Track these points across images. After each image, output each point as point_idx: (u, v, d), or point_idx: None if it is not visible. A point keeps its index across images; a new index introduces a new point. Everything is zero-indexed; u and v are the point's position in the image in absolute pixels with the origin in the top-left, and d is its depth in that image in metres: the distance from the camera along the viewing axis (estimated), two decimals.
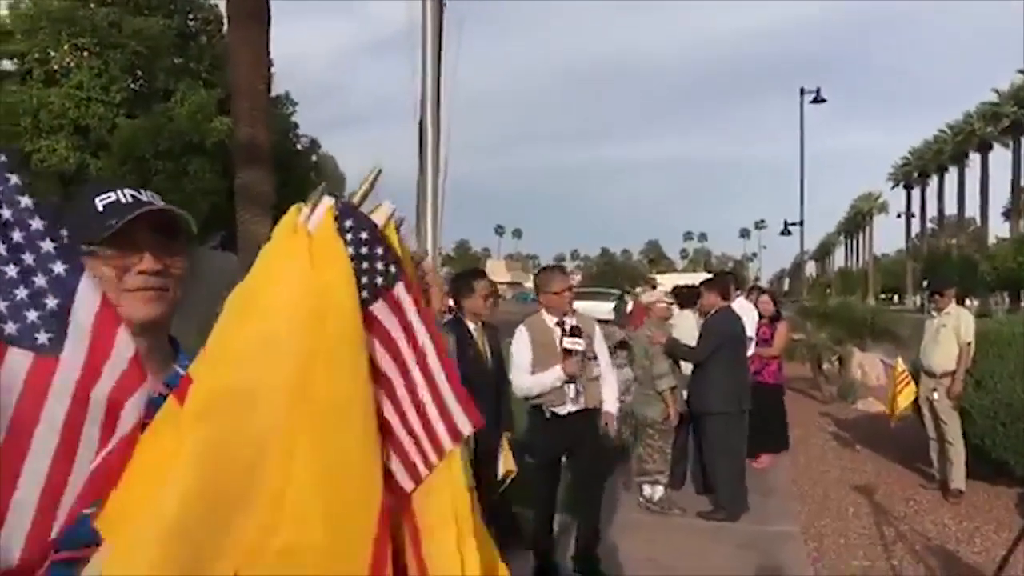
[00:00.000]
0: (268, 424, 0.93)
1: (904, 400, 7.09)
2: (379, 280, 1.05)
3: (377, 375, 1.04)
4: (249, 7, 11.83)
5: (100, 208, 1.30)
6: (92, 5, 15.95)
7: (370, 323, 1.04)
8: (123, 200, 1.31)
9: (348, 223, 1.04)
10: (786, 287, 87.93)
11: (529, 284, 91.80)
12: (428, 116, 8.72)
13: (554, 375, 4.38)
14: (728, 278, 7.43)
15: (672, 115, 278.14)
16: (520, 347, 4.50)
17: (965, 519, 6.20)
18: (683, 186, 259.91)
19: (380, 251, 1.05)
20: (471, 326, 4.45)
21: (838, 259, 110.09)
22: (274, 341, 0.95)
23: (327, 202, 1.05)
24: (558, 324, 4.50)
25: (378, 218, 1.07)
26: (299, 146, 18.66)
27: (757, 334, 7.81)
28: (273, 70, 16.80)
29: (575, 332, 4.37)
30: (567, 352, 4.34)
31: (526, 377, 4.45)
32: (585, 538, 4.69)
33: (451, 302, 4.56)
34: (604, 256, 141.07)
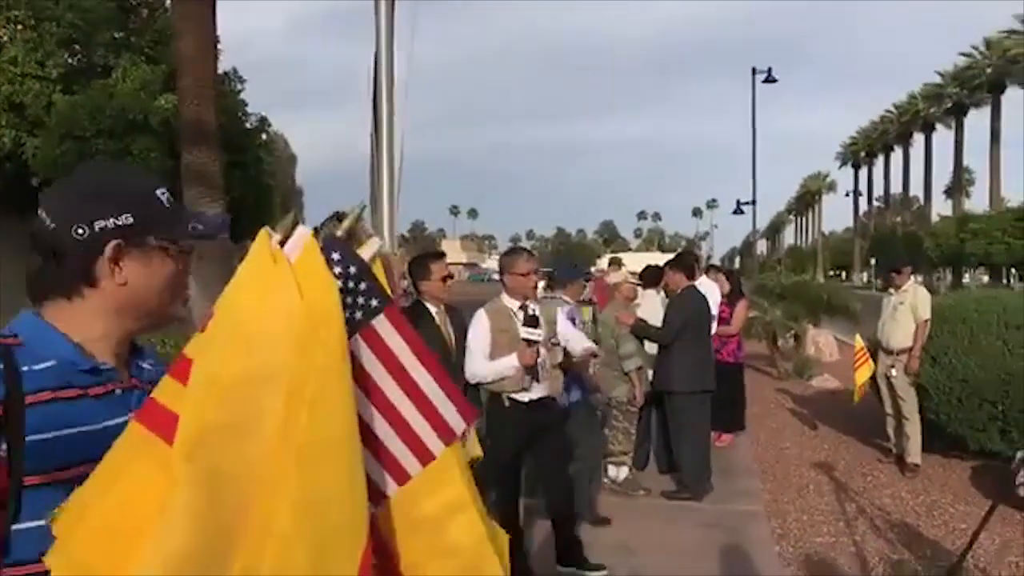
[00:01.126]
0: (256, 458, 0.93)
1: (861, 377, 7.15)
2: (358, 315, 1.06)
3: None
4: None
5: (166, 203, 1.28)
6: None
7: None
8: (170, 199, 1.30)
9: (335, 256, 1.05)
10: (737, 265, 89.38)
11: (485, 265, 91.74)
12: (383, 94, 8.47)
13: (509, 363, 4.22)
14: (692, 257, 7.40)
15: (627, 95, 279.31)
16: (477, 332, 4.33)
17: (922, 493, 6.28)
18: (637, 166, 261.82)
19: (364, 286, 1.06)
20: (432, 309, 4.29)
21: (788, 237, 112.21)
22: (264, 377, 0.95)
23: (304, 231, 1.04)
24: (521, 308, 4.36)
25: (367, 251, 1.09)
26: (248, 125, 18.09)
27: (718, 313, 7.80)
28: (220, 46, 16.35)
29: (532, 322, 4.22)
30: (526, 342, 4.20)
31: (481, 364, 4.28)
32: (563, 528, 4.58)
33: (407, 284, 4.39)
34: (560, 236, 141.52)
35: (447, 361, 4.24)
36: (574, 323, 5.32)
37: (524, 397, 4.36)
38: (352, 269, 1.05)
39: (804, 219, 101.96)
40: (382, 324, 1.07)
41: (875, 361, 7.12)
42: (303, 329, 0.95)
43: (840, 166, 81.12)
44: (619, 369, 6.11)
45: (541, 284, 6.30)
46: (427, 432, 1.09)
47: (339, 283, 1.02)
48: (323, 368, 0.95)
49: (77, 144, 14.60)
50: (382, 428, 1.07)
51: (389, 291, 1.10)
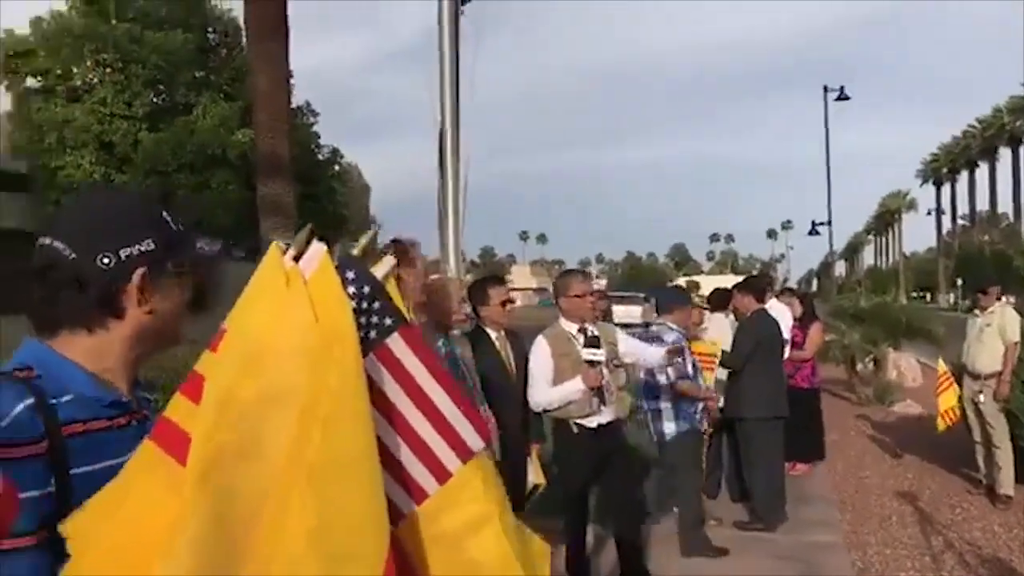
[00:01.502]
0: (267, 479, 0.92)
1: (945, 403, 6.82)
2: (372, 334, 1.06)
3: None
4: (268, 20, 11.82)
5: (175, 225, 1.26)
6: (113, 21, 16.05)
7: None
8: (176, 220, 1.29)
9: (350, 275, 1.05)
10: (814, 287, 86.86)
11: None
12: (447, 122, 8.56)
13: (575, 387, 4.17)
14: (763, 280, 7.21)
15: (696, 116, 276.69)
16: (539, 359, 4.27)
17: (1016, 526, 5.91)
18: (708, 188, 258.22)
19: (378, 305, 1.06)
20: (492, 334, 4.27)
21: (867, 258, 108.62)
22: (277, 397, 0.95)
23: (320, 247, 1.04)
24: (580, 331, 4.30)
25: (380, 270, 1.09)
26: (320, 156, 18.64)
27: (791, 337, 7.57)
28: (293, 81, 16.93)
29: (594, 342, 4.16)
30: (589, 363, 4.14)
31: (546, 391, 4.23)
32: (629, 557, 4.47)
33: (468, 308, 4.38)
34: (629, 260, 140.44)
35: (507, 386, 4.22)
36: (683, 353, 5.18)
37: (592, 422, 4.29)
38: (366, 288, 1.05)
39: (884, 239, 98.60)
40: (397, 343, 1.06)
41: (960, 386, 6.78)
42: (317, 348, 0.95)
43: (921, 184, 78.23)
44: None
45: (633, 309, 6.23)
46: (444, 450, 1.08)
47: (353, 302, 1.02)
48: (337, 388, 0.94)
49: (160, 179, 15.29)
50: (398, 447, 1.06)
51: (405, 311, 1.10)
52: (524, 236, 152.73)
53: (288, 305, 0.98)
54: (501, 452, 3.98)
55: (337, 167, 19.56)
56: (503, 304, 4.26)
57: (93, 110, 15.26)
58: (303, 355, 0.95)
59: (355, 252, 1.09)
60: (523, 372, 4.33)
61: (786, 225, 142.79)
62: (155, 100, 16.40)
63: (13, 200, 15.46)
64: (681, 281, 41.99)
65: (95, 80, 15.48)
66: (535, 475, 4.34)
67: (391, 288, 1.09)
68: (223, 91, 16.83)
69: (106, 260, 1.16)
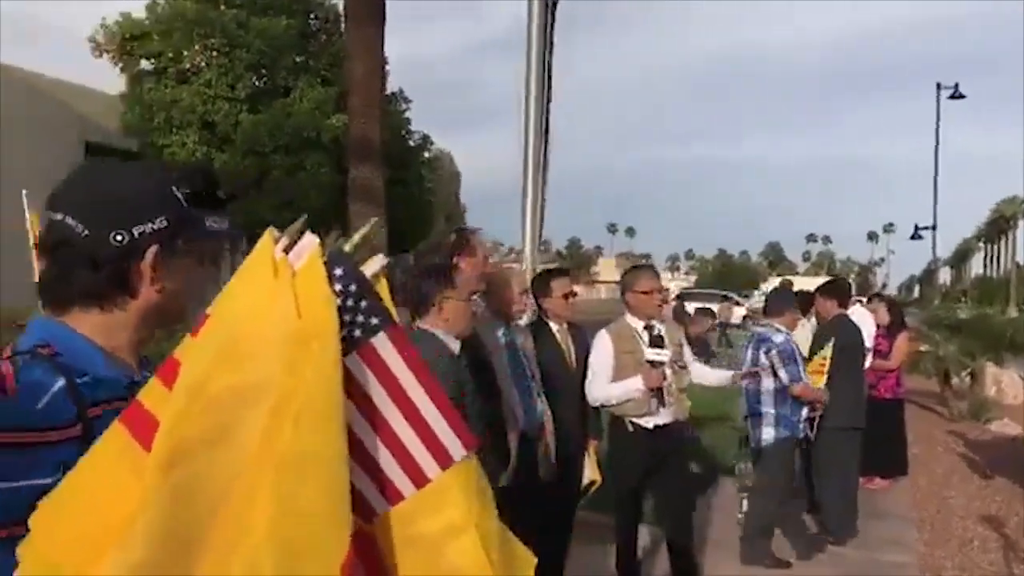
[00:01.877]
0: (233, 473, 0.91)
1: None
2: (357, 332, 1.04)
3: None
4: (365, 7, 12.12)
5: (185, 202, 1.23)
6: (221, 7, 16.70)
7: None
8: (186, 197, 1.25)
9: (338, 271, 1.03)
10: (916, 294, 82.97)
11: None
12: (531, 113, 8.57)
13: (634, 385, 4.11)
14: (846, 284, 6.94)
15: (797, 112, 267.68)
16: (600, 354, 4.22)
17: None
18: (807, 186, 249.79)
19: (364, 304, 1.05)
20: (553, 327, 4.25)
21: (976, 266, 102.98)
22: (250, 391, 0.94)
23: (312, 240, 1.03)
24: (645, 328, 4.24)
25: (370, 268, 1.08)
26: (411, 143, 18.93)
27: (873, 345, 7.26)
28: (388, 68, 17.25)
29: (658, 342, 4.09)
30: (651, 364, 4.07)
31: (604, 386, 4.18)
32: (679, 561, 4.40)
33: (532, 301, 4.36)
34: (721, 257, 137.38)
35: (566, 380, 4.19)
36: (792, 355, 5.11)
37: (649, 422, 4.23)
38: (353, 286, 1.03)
39: (995, 247, 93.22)
40: (382, 344, 1.05)
41: None
42: (296, 343, 0.94)
43: None
44: None
45: (737, 311, 6.16)
46: (423, 455, 1.06)
47: (338, 300, 1.01)
48: (312, 384, 0.93)
49: (257, 159, 15.86)
50: (376, 447, 1.05)
51: (393, 311, 1.08)
52: (612, 228, 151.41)
53: (272, 296, 0.97)
54: (557, 446, 3.98)
55: (427, 154, 19.82)
56: (565, 297, 4.22)
57: (199, 91, 15.93)
58: (281, 349, 0.94)
59: (348, 248, 1.07)
60: (583, 366, 4.29)
61: (888, 228, 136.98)
62: (256, 83, 16.97)
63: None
64: (775, 281, 40.79)
65: (202, 63, 16.13)
66: (591, 471, 4.31)
67: (380, 287, 1.08)
68: (321, 76, 17.29)
69: (119, 237, 1.15)
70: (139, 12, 16.90)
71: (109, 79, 17.19)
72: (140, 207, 1.18)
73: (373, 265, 1.08)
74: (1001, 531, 6.11)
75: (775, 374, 5.15)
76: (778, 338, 5.21)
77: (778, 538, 5.71)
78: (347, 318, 1.03)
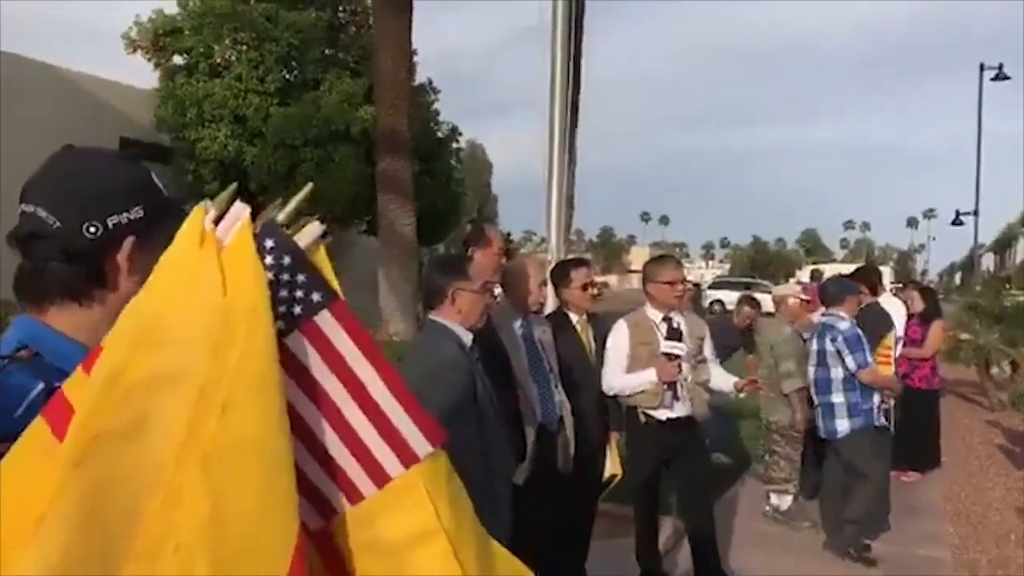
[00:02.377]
0: (153, 467, 0.84)
1: None
2: (297, 309, 0.95)
3: (291, 413, 0.91)
4: None
5: (163, 191, 1.23)
6: (251, 1, 16.80)
7: (283, 357, 0.91)
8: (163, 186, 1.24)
9: (269, 243, 0.94)
10: (957, 281, 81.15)
11: None
12: (557, 102, 8.50)
13: (647, 378, 4.05)
14: (875, 271, 6.77)
15: (834, 95, 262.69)
16: (617, 343, 4.17)
17: None
18: (845, 172, 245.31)
19: (302, 277, 0.95)
20: (573, 318, 4.20)
21: (1021, 253, 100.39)
22: (171, 377, 0.86)
23: (242, 209, 0.93)
24: (664, 320, 4.17)
25: (305, 238, 0.97)
26: (440, 134, 18.90)
27: (906, 333, 7.08)
28: (418, 59, 17.25)
29: (675, 335, 4.02)
30: (667, 356, 4.00)
31: (618, 376, 4.13)
32: (701, 555, 4.34)
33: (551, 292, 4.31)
34: (756, 245, 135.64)
35: (586, 372, 4.15)
36: (859, 342, 5.07)
37: (662, 415, 4.18)
38: (287, 259, 0.94)
39: None
40: (327, 321, 0.95)
41: None
42: (221, 325, 0.86)
43: None
44: (779, 391, 5.70)
45: (790, 301, 6.09)
46: (383, 451, 0.97)
47: (270, 274, 0.92)
48: (240, 368, 0.85)
49: (287, 153, 15.94)
50: (330, 438, 0.96)
51: (336, 285, 0.98)
52: (646, 217, 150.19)
53: (195, 274, 0.89)
54: (576, 439, 3.94)
55: (456, 144, 19.77)
56: (584, 287, 4.17)
57: (230, 86, 16.05)
58: (205, 330, 0.86)
59: (281, 217, 0.97)
60: (603, 356, 4.24)
61: (928, 214, 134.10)
62: (286, 76, 17.06)
63: (158, 171, 16.55)
64: (808, 269, 40.17)
65: (232, 57, 16.26)
66: (612, 465, 4.26)
67: (320, 259, 0.98)
68: (350, 68, 17.32)
69: (92, 229, 1.11)
70: (171, 8, 17.07)
71: (143, 75, 17.43)
72: (114, 197, 1.14)
73: (308, 235, 0.97)
74: None
75: (843, 362, 5.10)
76: (843, 325, 5.16)
77: (808, 530, 5.62)
78: (283, 294, 0.94)
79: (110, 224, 1.12)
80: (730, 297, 36.38)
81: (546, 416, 3.72)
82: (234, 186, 0.99)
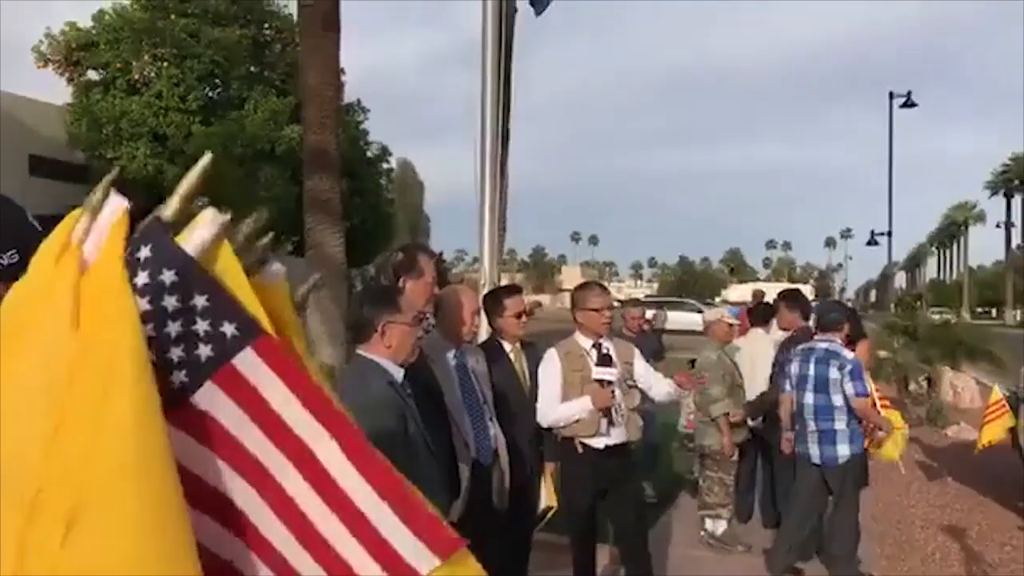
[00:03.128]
0: None
1: (992, 432, 6.42)
2: (204, 350, 0.68)
3: (209, 498, 0.66)
4: (320, 15, 11.92)
5: (40, 228, 1.08)
6: (172, 16, 16.36)
7: (188, 420, 0.67)
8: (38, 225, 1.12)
9: (143, 254, 0.67)
10: (872, 299, 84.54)
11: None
12: (487, 123, 8.41)
13: (582, 406, 3.99)
14: (805, 296, 6.88)
15: (755, 121, 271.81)
16: (548, 373, 4.10)
17: None
18: (766, 193, 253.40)
19: (202, 301, 0.68)
20: (507, 346, 4.10)
21: (930, 271, 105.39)
22: None
23: (117, 204, 0.69)
24: (594, 347, 4.12)
25: (200, 238, 0.69)
26: (369, 153, 18.72)
27: None
28: (346, 78, 17.01)
29: (606, 361, 3.97)
30: (599, 383, 3.95)
31: (552, 407, 4.06)
32: None
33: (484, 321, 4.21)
34: (683, 264, 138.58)
35: (521, 402, 4.04)
36: (861, 372, 5.03)
37: (599, 443, 4.11)
38: (167, 276, 0.67)
39: (948, 252, 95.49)
40: (251, 365, 0.68)
41: (1017, 415, 6.38)
42: (67, 393, 0.61)
43: (990, 195, 75.42)
44: (708, 415, 5.72)
45: (689, 316, 6.03)
46: (358, 555, 0.71)
47: (143, 300, 0.66)
48: (94, 461, 0.58)
49: (210, 172, 15.52)
50: (274, 528, 0.69)
51: (257, 307, 0.71)
52: (576, 237, 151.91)
53: (37, 315, 0.64)
54: (511, 472, 3.82)
55: (385, 164, 19.63)
56: (518, 316, 4.07)
57: (149, 103, 15.55)
58: (39, 406, 0.60)
59: (166, 214, 0.71)
60: (538, 387, 4.15)
61: (845, 234, 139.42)
62: (210, 94, 16.64)
63: (70, 190, 15.90)
64: (738, 288, 41.23)
65: (152, 74, 15.76)
66: (547, 497, 4.16)
67: (225, 264, 0.70)
68: (275, 86, 17.01)
69: None
70: (85, 21, 16.50)
71: (54, 90, 16.73)
72: None
73: (206, 226, 0.69)
74: (963, 542, 6.09)
75: (843, 389, 5.05)
76: (848, 354, 5.13)
77: (742, 556, 5.62)
78: (175, 328, 0.67)
79: None
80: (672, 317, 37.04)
81: (480, 450, 3.59)
82: (112, 174, 0.78)
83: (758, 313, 7.02)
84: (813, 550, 5.55)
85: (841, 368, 5.07)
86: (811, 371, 5.17)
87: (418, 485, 2.67)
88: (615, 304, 5.28)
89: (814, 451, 5.14)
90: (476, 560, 0.75)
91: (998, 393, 6.57)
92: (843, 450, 5.10)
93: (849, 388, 5.03)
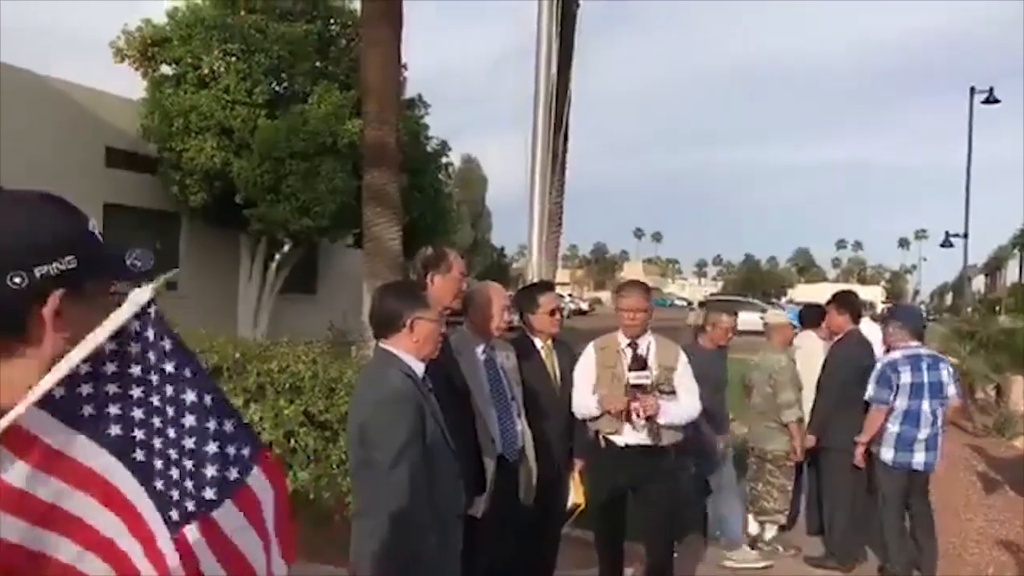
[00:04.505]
0: None
1: None
2: (231, 475, 0.88)
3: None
4: (382, 9, 12.09)
5: (100, 239, 1.13)
6: (241, 12, 16.74)
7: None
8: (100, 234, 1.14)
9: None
10: (948, 302, 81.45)
11: (668, 289, 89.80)
12: (540, 120, 8.41)
13: (593, 403, 4.04)
14: (857, 298, 6.69)
15: (828, 117, 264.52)
16: (582, 366, 4.16)
17: None
18: (838, 192, 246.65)
19: (210, 400, 0.91)
20: (538, 343, 4.11)
21: (1012, 274, 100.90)
22: None
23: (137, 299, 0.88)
24: (629, 346, 4.10)
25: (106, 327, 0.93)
26: (429, 148, 18.82)
27: None
28: (407, 74, 17.19)
29: (640, 364, 3.93)
30: (633, 387, 3.93)
31: (582, 398, 4.10)
32: None
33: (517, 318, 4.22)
34: (748, 263, 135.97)
35: (551, 399, 4.05)
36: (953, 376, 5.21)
37: (620, 441, 4.09)
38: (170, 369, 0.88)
39: None
40: (259, 482, 0.82)
41: None
42: None
43: None
44: (776, 420, 5.62)
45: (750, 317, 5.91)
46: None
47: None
48: None
49: (274, 165, 15.85)
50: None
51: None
52: (639, 234, 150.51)
53: None
54: (540, 468, 3.84)
55: (445, 159, 19.72)
56: (552, 313, 4.07)
57: (217, 97, 15.95)
58: None
59: (144, 299, 0.84)
60: (568, 384, 4.15)
61: (920, 234, 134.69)
62: (275, 88, 16.99)
63: (144, 180, 16.51)
64: (805, 288, 40.15)
65: (221, 68, 16.17)
66: (575, 494, 4.16)
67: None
68: (339, 80, 17.25)
69: (17, 279, 1.03)
70: (160, 18, 16.99)
71: (130, 85, 17.31)
72: (43, 245, 1.06)
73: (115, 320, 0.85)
74: (1019, 557, 5.85)
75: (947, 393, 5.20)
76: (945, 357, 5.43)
77: (784, 559, 5.52)
78: (169, 454, 0.83)
79: (37, 275, 1.04)
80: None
81: (506, 446, 3.62)
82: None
83: (809, 315, 6.85)
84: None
85: (949, 372, 5.23)
86: (926, 378, 5.15)
87: (435, 479, 2.71)
88: (693, 305, 5.19)
89: (919, 458, 5.15)
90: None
91: None
92: (886, 454, 5.13)
93: (953, 390, 5.16)
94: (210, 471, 0.85)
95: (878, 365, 5.34)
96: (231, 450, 0.84)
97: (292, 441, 4.91)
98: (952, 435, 10.60)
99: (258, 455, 0.86)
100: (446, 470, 2.86)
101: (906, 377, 5.15)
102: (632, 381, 3.94)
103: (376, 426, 2.76)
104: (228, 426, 0.86)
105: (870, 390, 5.26)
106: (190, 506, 0.85)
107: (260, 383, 5.23)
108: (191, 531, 0.84)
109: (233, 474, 0.83)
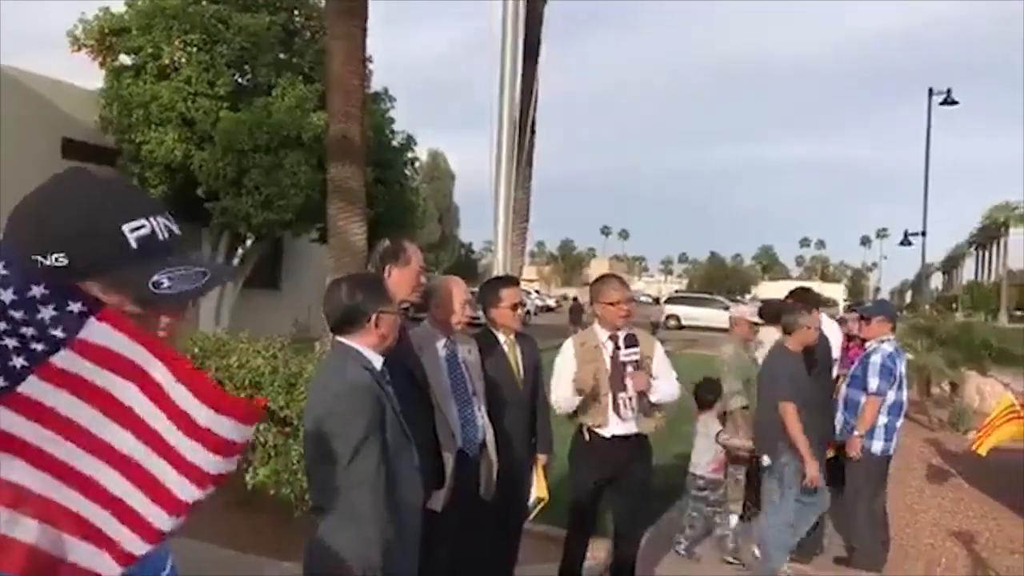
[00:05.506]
0: None
1: (1002, 435, 6.26)
2: (55, 332, 0.82)
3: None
4: (346, 2, 11.96)
5: (135, 244, 0.99)
6: (203, 2, 16.46)
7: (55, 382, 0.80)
8: (161, 236, 1.02)
9: None
10: (908, 300, 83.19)
11: (635, 286, 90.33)
12: (505, 116, 8.36)
13: (568, 390, 4.08)
14: (814, 294, 6.78)
15: (791, 117, 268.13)
16: (563, 359, 4.19)
17: None
18: (801, 191, 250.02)
19: (40, 291, 0.84)
20: (501, 338, 4.10)
21: (968, 272, 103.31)
22: None
23: None
24: (610, 338, 4.13)
25: None
26: (395, 143, 18.70)
27: (846, 355, 7.11)
28: (372, 67, 17.03)
29: (631, 341, 4.07)
30: (623, 365, 4.03)
31: (561, 393, 4.14)
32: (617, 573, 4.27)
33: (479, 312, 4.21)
34: (713, 260, 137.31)
35: (513, 393, 4.04)
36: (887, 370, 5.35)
37: (606, 432, 4.11)
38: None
39: (987, 253, 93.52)
40: (96, 330, 0.83)
41: None
42: None
43: None
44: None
45: (715, 313, 5.97)
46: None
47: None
48: None
49: (236, 158, 15.62)
50: (138, 448, 0.85)
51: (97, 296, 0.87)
52: (606, 231, 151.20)
53: None
54: (501, 463, 3.82)
55: (411, 154, 19.59)
56: (514, 307, 4.06)
57: (178, 88, 15.67)
58: None
59: None
60: (532, 379, 4.15)
61: (881, 233, 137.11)
62: (238, 80, 16.73)
63: (100, 173, 16.11)
64: (769, 285, 40.74)
65: (182, 59, 15.89)
66: (538, 488, 4.15)
67: None
68: (303, 73, 17.05)
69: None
70: (118, 6, 16.65)
71: (88, 75, 16.95)
72: (43, 237, 0.99)
73: None
74: (971, 548, 5.98)
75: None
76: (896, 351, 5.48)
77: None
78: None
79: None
80: (686, 312, 36.70)
81: (467, 440, 3.60)
82: None
83: (771, 311, 6.93)
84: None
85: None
86: (901, 368, 5.47)
87: (394, 471, 2.68)
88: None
89: (892, 445, 5.42)
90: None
91: (1009, 399, 6.39)
92: (877, 446, 5.36)
93: (872, 383, 5.40)
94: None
95: (877, 358, 5.42)
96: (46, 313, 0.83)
97: (252, 437, 4.84)
98: (908, 429, 10.81)
99: (99, 311, 0.85)
100: (405, 463, 2.84)
101: (901, 368, 5.42)
102: (623, 358, 4.03)
103: (334, 419, 2.73)
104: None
105: (874, 383, 5.37)
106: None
107: (219, 379, 5.15)
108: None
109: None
